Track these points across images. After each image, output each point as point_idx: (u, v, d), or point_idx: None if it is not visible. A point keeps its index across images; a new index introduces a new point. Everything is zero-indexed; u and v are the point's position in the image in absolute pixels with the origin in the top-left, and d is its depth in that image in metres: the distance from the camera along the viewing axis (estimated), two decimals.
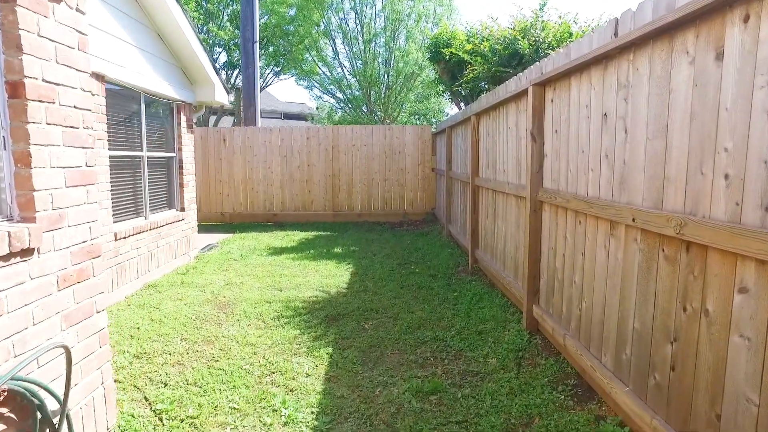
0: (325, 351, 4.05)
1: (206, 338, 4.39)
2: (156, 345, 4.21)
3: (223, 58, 22.10)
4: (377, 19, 20.56)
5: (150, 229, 6.45)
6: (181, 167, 7.52)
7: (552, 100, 3.75)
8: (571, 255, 3.42)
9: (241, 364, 3.81)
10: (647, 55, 2.41)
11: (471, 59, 8.05)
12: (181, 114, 7.45)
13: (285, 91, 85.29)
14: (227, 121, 30.19)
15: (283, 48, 21.34)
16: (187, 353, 4.05)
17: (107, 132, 5.40)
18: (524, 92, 4.26)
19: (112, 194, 5.61)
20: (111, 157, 5.55)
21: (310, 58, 21.83)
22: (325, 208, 11.71)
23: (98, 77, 5.11)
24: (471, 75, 8.01)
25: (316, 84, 21.92)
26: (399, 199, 11.73)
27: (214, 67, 7.87)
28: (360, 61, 20.68)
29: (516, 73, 6.40)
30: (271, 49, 21.62)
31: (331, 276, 6.64)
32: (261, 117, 38.32)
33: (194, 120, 8.05)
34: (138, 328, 4.62)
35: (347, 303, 5.38)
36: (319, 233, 10.29)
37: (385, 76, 21.09)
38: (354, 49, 20.53)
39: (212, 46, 20.43)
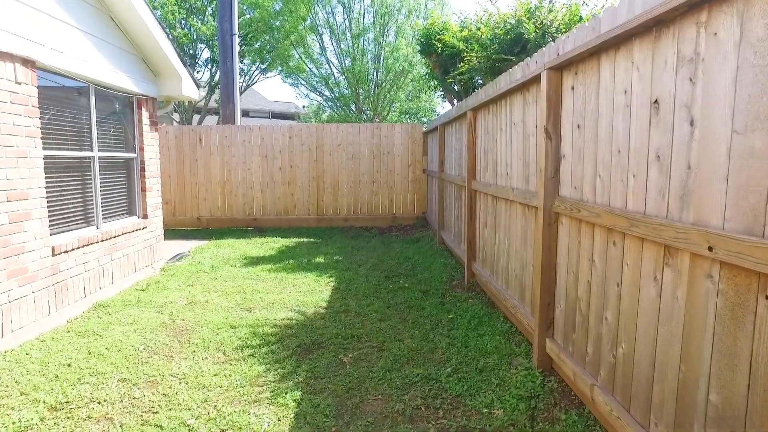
0: (293, 397, 3.29)
1: (150, 378, 3.60)
2: (84, 389, 3.42)
3: (206, 54, 21.24)
4: (366, 14, 19.81)
5: (102, 240, 5.65)
6: (143, 169, 6.72)
7: (573, 88, 3.01)
8: (600, 283, 2.68)
9: (185, 419, 3.04)
10: (735, 12, 1.68)
11: (466, 48, 7.31)
12: (143, 109, 6.65)
13: (273, 90, 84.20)
14: (212, 120, 29.28)
15: (269, 44, 20.53)
16: (121, 401, 3.27)
17: (41, 128, 4.59)
18: (535, 80, 3.53)
19: (50, 201, 4.80)
20: (47, 158, 4.74)
21: (297, 55, 21.02)
22: (309, 213, 10.93)
23: (26, 62, 4.30)
24: (466, 66, 7.26)
25: (303, 82, 21.10)
26: (388, 203, 10.99)
27: (181, 58, 7.07)
28: (348, 58, 19.89)
29: (519, 61, 5.68)
30: (257, 45, 20.80)
31: (309, 292, 5.87)
32: (249, 117, 37.38)
33: (159, 116, 7.24)
34: (69, 365, 3.83)
35: (325, 327, 4.62)
36: (302, 240, 9.52)
37: (375, 74, 20.32)
38: (342, 46, 19.74)
39: (195, 42, 19.58)
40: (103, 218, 5.80)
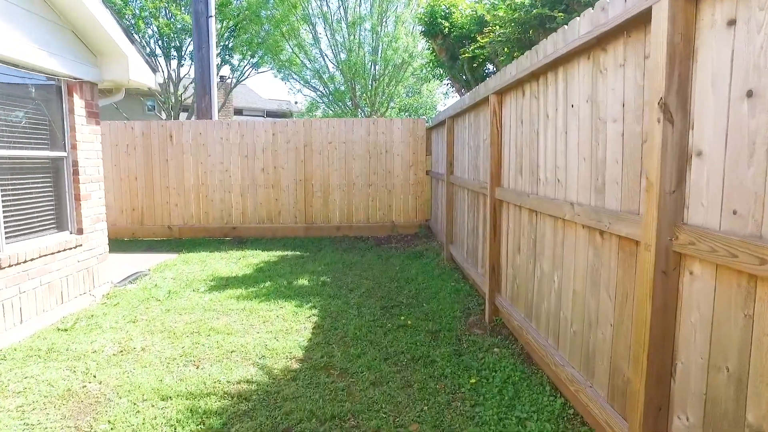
0: None
1: None
2: None
3: (191, 47, 19.82)
4: (363, 2, 18.36)
5: (7, 267, 4.26)
6: (76, 172, 5.33)
7: (731, 22, 1.62)
8: None
9: None
10: None
11: (490, 17, 5.86)
12: (75, 97, 5.26)
13: (269, 87, 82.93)
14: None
15: (258, 36, 19.11)
16: None
17: None
18: (635, 23, 2.14)
19: None
20: None
21: (289, 48, 19.60)
22: (296, 220, 9.53)
23: None
24: (487, 38, 5.85)
25: (295, 76, 19.64)
26: (386, 209, 9.60)
27: (129, 35, 5.68)
28: (344, 50, 18.46)
29: (565, 23, 4.27)
30: (246, 37, 19.39)
31: (283, 333, 4.48)
32: (243, 115, 35.96)
33: (99, 106, 5.84)
34: None
35: (295, 400, 3.23)
36: (286, 253, 8.12)
37: (372, 67, 18.89)
38: (337, 37, 18.28)
39: (178, 33, 18.16)
40: (6, 238, 4.40)
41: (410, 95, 19.96)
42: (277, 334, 4.47)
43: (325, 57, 19.51)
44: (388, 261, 7.44)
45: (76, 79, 5.23)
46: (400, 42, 17.23)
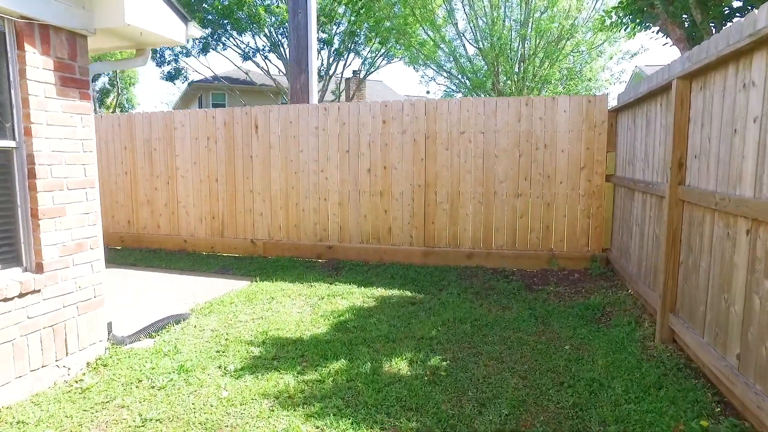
0: None
1: None
2: None
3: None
4: None
5: None
6: (32, 174, 3.27)
7: None
8: None
9: None
10: None
11: None
12: (30, 51, 3.18)
13: (405, 83, 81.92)
14: None
15: (388, 20, 16.89)
16: None
17: None
18: None
19: None
20: None
21: (422, 32, 17.06)
22: (412, 241, 6.90)
23: None
24: None
25: (428, 62, 16.94)
26: (542, 230, 6.52)
27: None
28: (484, 22, 15.32)
29: None
30: (371, 21, 17.33)
31: None
32: None
33: (93, 71, 3.75)
34: None
35: None
36: (390, 294, 5.54)
37: (520, 44, 15.51)
38: (476, 8, 15.17)
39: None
40: None
41: (568, 79, 16.05)
42: None
43: (463, 36, 16.58)
44: (547, 326, 4.43)
45: (31, 20, 3.15)
46: (560, 6, 13.63)
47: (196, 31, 4.24)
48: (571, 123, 6.32)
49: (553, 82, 15.37)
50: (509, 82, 16.07)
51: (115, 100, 35.56)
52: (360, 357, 3.78)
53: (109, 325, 4.00)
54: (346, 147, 7.01)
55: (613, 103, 6.26)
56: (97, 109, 34.39)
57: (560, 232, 6.47)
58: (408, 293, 5.56)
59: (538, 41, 14.98)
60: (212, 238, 7.70)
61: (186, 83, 23.39)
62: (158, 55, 20.55)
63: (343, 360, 3.74)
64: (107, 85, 36.21)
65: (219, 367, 3.67)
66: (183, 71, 21.34)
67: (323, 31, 19.49)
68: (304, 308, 5.09)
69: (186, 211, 7.82)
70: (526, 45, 15.39)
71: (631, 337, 3.98)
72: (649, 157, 4.58)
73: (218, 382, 3.43)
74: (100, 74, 34.78)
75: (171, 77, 21.03)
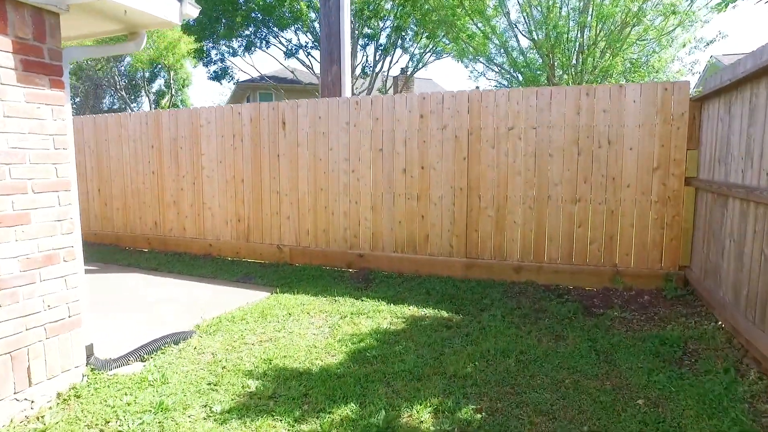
0: None
1: None
2: None
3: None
4: None
5: None
6: None
7: None
8: None
9: None
10: None
11: None
12: None
13: (455, 82, 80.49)
14: None
15: (435, 13, 16.07)
16: None
17: None
18: None
19: None
20: None
21: (471, 25, 16.13)
22: (452, 251, 6.11)
23: None
24: None
25: (473, 52, 15.93)
26: (604, 242, 5.56)
27: None
28: (538, 11, 14.18)
29: None
30: (418, 14, 16.56)
31: None
32: None
33: (67, 57, 3.21)
34: None
35: None
36: (423, 313, 4.79)
37: (579, 33, 14.29)
38: None
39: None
40: None
41: (629, 73, 14.65)
42: None
43: (515, 27, 15.49)
44: (612, 366, 3.54)
45: None
46: None
47: (193, 9, 3.65)
48: (641, 115, 5.34)
49: (615, 75, 14.04)
50: (566, 75, 14.86)
51: (169, 101, 36.49)
52: (375, 401, 3.06)
53: (89, 347, 3.47)
54: (379, 145, 6.30)
55: (696, 90, 5.23)
56: (153, 110, 35.34)
57: (626, 244, 5.50)
58: (444, 313, 4.79)
59: (599, 29, 13.71)
60: (237, 242, 7.19)
61: (232, 83, 23.42)
62: (205, 55, 20.62)
63: (353, 404, 3.03)
64: (163, 87, 37.20)
65: (204, 406, 3.04)
66: (229, 70, 21.33)
67: (369, 27, 18.91)
68: (321, 329, 4.42)
69: (212, 212, 7.36)
70: (585, 34, 14.14)
71: (731, 394, 3.03)
72: (753, 155, 3.60)
73: (197, 428, 2.80)
74: (157, 76, 35.77)
75: (217, 77, 21.08)
